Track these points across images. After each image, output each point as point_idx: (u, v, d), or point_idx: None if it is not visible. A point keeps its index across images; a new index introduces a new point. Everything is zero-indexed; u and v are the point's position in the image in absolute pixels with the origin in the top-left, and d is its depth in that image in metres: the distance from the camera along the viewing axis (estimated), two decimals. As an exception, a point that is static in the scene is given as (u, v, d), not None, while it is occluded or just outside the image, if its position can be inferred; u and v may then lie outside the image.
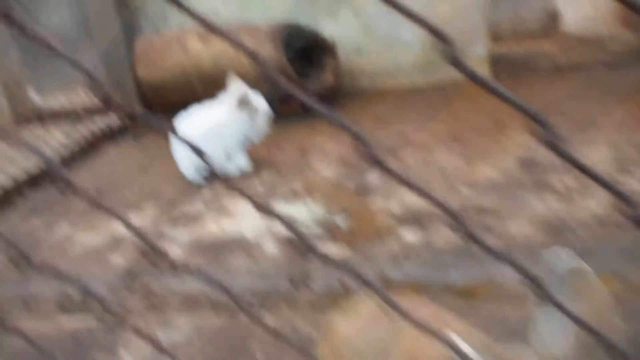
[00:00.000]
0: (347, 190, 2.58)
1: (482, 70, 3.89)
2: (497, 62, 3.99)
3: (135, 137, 3.83)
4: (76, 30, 4.21)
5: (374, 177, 2.61)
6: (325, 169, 2.83)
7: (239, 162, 2.86)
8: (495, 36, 4.15)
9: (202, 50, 3.52)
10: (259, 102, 2.78)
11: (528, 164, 2.54)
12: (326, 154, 2.99)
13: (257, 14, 3.88)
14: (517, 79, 3.91)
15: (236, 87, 2.76)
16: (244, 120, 2.75)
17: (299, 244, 0.49)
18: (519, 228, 2.08)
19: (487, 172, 2.55)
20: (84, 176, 3.22)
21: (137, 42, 3.74)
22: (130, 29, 4.10)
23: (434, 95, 3.77)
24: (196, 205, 2.60)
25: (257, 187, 2.73)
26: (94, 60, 4.16)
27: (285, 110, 3.52)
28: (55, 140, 3.78)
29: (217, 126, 2.73)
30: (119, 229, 2.48)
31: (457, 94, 3.71)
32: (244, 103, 2.72)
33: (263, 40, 3.41)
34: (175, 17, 4.09)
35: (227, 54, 3.48)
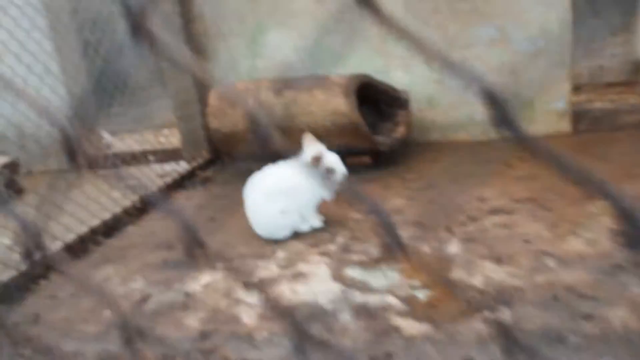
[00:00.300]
0: (425, 257, 2.51)
1: (563, 125, 3.79)
2: (577, 116, 3.88)
3: (204, 184, 3.86)
4: (150, 78, 4.28)
5: (454, 246, 2.53)
6: (401, 231, 2.76)
7: (311, 220, 2.84)
8: (575, 88, 4.03)
9: (274, 102, 3.52)
10: (334, 162, 2.75)
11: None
12: (401, 214, 2.92)
13: (329, 65, 3.88)
14: (598, 134, 3.79)
15: (311, 147, 2.74)
16: (319, 180, 2.73)
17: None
18: (617, 314, 1.96)
19: (576, 245, 2.44)
20: (155, 226, 3.24)
21: (211, 92, 3.77)
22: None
23: (510, 151, 3.67)
24: (270, 267, 2.57)
25: (330, 247, 2.68)
26: (167, 107, 4.23)
27: (355, 162, 3.50)
28: (125, 184, 3.83)
29: (291, 186, 2.71)
30: (192, 286, 2.48)
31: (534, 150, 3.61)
32: (318, 163, 2.69)
33: (336, 93, 3.39)
34: (246, 65, 4.13)
35: (297, 105, 3.48)
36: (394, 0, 3.76)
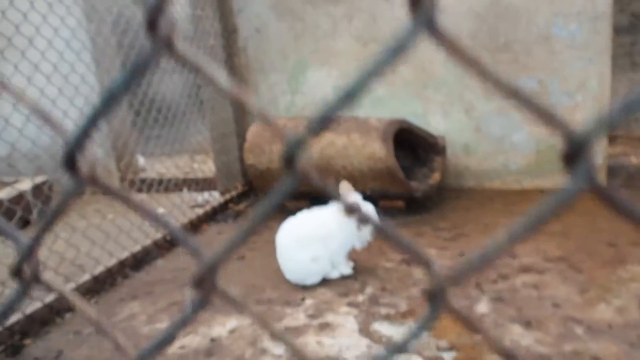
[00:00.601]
0: (453, 316, 2.52)
1: (600, 179, 3.78)
2: (612, 171, 3.88)
3: (235, 218, 3.92)
4: (189, 103, 4.37)
5: (483, 305, 2.55)
6: (430, 286, 2.78)
7: (341, 267, 2.88)
8: (610, 138, 4.04)
9: (311, 142, 3.58)
10: (368, 212, 2.79)
11: (652, 312, 2.42)
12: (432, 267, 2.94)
13: (369, 106, 3.94)
14: (633, 189, 3.79)
15: (346, 196, 2.79)
16: (351, 229, 2.77)
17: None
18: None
19: (605, 312, 2.44)
20: (185, 261, 3.29)
21: (250, 128, 3.85)
22: (241, 111, 4.24)
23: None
24: (297, 316, 2.60)
25: (359, 297, 2.71)
26: (205, 134, 4.31)
27: (387, 206, 3.54)
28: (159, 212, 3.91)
29: (324, 234, 2.76)
30: (218, 330, 2.52)
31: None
32: (352, 212, 2.74)
33: (373, 138, 3.44)
34: (285, 101, 4.21)
35: (334, 146, 3.53)
36: (436, 49, 3.83)
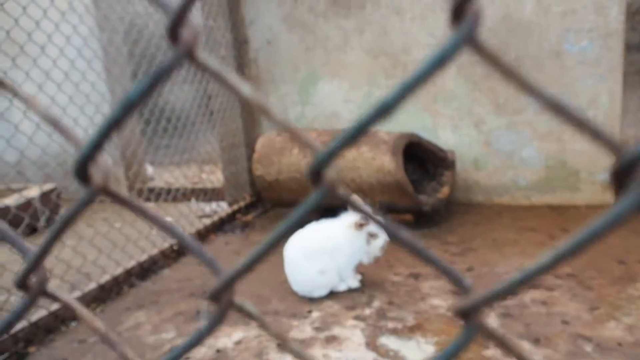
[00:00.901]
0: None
1: (607, 197, 3.75)
2: (622, 187, 3.84)
3: (243, 229, 3.90)
4: (200, 114, 4.36)
5: (492, 321, 2.51)
6: (439, 300, 2.75)
7: (349, 280, 2.85)
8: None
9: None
10: (377, 228, 2.77)
11: (664, 332, 2.38)
12: (439, 281, 2.91)
13: (378, 120, 3.92)
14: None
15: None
16: (360, 243, 2.75)
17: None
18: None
19: (614, 329, 2.40)
20: (191, 271, 3.27)
21: (258, 139, 3.83)
22: (250, 122, 4.23)
23: (552, 218, 3.66)
24: (304, 328, 2.57)
25: (366, 311, 2.68)
26: (214, 145, 4.29)
27: (397, 220, 3.51)
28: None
29: (332, 247, 2.74)
30: (224, 341, 2.49)
31: (576, 221, 3.59)
32: (362, 227, 2.72)
33: (383, 151, 3.42)
34: (295, 112, 4.19)
35: (343, 159, 3.51)
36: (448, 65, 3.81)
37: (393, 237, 0.38)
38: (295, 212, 0.37)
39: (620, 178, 0.32)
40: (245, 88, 0.37)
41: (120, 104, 0.37)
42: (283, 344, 0.42)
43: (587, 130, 0.33)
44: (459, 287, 0.38)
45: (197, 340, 0.42)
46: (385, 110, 0.35)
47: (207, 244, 3.68)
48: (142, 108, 4.23)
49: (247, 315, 0.43)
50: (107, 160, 0.44)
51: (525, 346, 2.32)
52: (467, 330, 0.37)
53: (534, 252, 3.19)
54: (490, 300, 0.35)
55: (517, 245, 3.30)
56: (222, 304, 0.42)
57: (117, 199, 0.42)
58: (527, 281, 0.33)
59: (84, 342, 2.58)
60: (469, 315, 0.37)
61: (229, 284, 0.40)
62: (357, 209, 0.37)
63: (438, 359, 0.36)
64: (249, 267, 0.38)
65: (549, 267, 0.32)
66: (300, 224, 0.34)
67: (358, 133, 0.35)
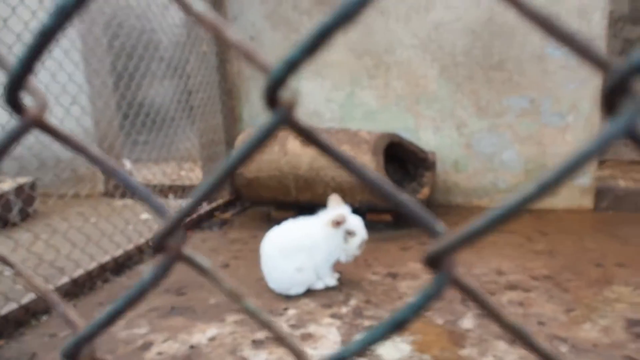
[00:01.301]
0: (437, 330, 2.46)
1: (585, 201, 3.75)
2: (600, 193, 3.84)
3: (221, 226, 3.84)
4: (179, 110, 4.31)
5: (469, 321, 2.48)
6: (414, 299, 2.71)
7: (326, 279, 2.81)
8: (599, 162, 4.01)
9: (300, 153, 3.52)
10: (356, 226, 2.73)
11: (636, 330, 2.36)
12: (417, 281, 2.88)
13: (360, 119, 3.89)
14: (620, 213, 3.76)
15: (335, 208, 2.73)
16: (338, 241, 2.71)
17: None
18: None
19: (590, 332, 2.38)
20: (168, 267, 3.20)
21: (238, 136, 3.79)
22: (231, 118, 4.18)
23: (530, 221, 3.65)
24: (280, 326, 2.52)
25: (342, 308, 2.64)
26: (193, 141, 4.24)
27: (375, 219, 3.48)
28: (147, 216, 3.83)
29: (309, 245, 2.69)
30: (198, 338, 2.44)
31: (555, 224, 3.58)
32: (339, 225, 2.68)
33: (364, 151, 3.38)
34: (276, 111, 4.15)
35: (324, 160, 3.47)
36: (429, 65, 3.79)
37: (361, 177, 0.34)
38: (251, 140, 0.33)
39: (609, 99, 0.28)
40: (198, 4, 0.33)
41: (54, 11, 0.32)
42: (237, 301, 0.38)
43: (573, 45, 0.29)
44: (430, 232, 0.34)
45: (139, 294, 0.37)
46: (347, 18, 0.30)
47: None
48: (120, 101, 4.17)
49: (198, 269, 0.39)
50: (41, 89, 0.40)
51: (502, 346, 2.29)
52: (437, 279, 0.32)
53: (512, 254, 3.17)
54: (464, 241, 0.31)
55: (494, 246, 3.28)
56: (169, 252, 0.37)
57: (52, 132, 0.38)
58: (505, 218, 0.29)
59: (54, 336, 2.51)
60: (439, 262, 0.33)
61: (176, 226, 0.36)
62: (323, 145, 0.33)
63: (405, 310, 0.32)
64: (196, 204, 0.34)
65: (532, 199, 0.28)
66: (257, 147, 0.29)
67: (317, 42, 0.31)
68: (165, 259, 0.37)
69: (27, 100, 0.40)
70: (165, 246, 0.37)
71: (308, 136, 0.34)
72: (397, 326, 0.33)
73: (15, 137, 0.38)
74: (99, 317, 0.39)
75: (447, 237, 0.32)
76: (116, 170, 0.39)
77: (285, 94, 0.32)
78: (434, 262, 0.33)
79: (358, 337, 0.35)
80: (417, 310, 0.32)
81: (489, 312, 0.35)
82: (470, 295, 0.34)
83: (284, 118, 0.32)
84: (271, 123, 0.32)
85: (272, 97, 0.32)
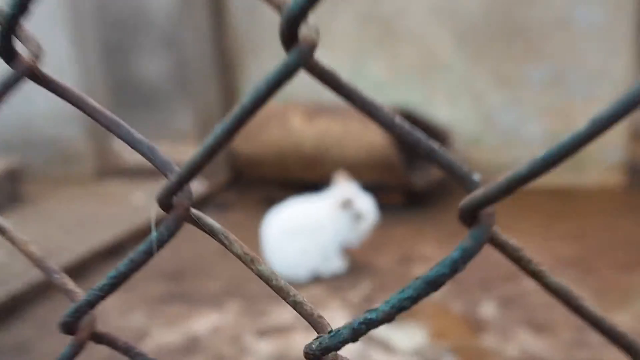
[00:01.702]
0: (454, 317, 2.46)
1: (616, 177, 3.73)
2: (632, 170, 3.82)
3: (220, 209, 3.84)
4: (172, 86, 4.30)
5: (489, 308, 2.48)
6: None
7: (334, 264, 2.80)
8: (635, 135, 3.97)
9: (304, 130, 3.51)
10: (365, 207, 2.72)
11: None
12: (431, 263, 2.86)
13: (368, 92, 3.87)
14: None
15: (342, 188, 2.72)
16: (346, 223, 2.70)
17: None
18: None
19: (622, 318, 2.38)
20: (164, 254, 3.21)
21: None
22: (228, 94, 4.16)
23: (556, 201, 3.63)
24: (284, 314, 2.53)
25: (351, 296, 2.64)
26: (188, 119, 4.24)
27: (386, 201, 3.47)
28: (137, 200, 3.84)
29: (315, 225, 2.69)
30: (197, 326, 2.45)
31: (584, 203, 3.56)
32: (347, 206, 2.67)
33: (373, 127, 3.37)
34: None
35: (331, 136, 3.46)
36: (443, 32, 3.77)
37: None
38: (264, 82, 0.32)
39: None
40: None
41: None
42: (250, 266, 0.37)
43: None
44: (465, 183, 0.33)
45: (144, 256, 0.37)
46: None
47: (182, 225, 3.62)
48: (107, 77, 4.16)
49: (208, 231, 0.38)
50: (35, 37, 0.39)
51: (526, 335, 2.30)
52: (475, 232, 0.32)
53: (538, 236, 3.16)
54: (504, 191, 0.30)
55: (517, 229, 3.27)
56: (176, 210, 0.37)
57: (47, 82, 0.37)
58: (551, 162, 0.28)
59: (44, 326, 2.53)
60: (476, 216, 0.32)
61: (183, 181, 0.35)
62: (347, 92, 0.32)
63: (440, 267, 0.32)
64: (213, 151, 0.33)
65: (584, 139, 0.27)
66: (271, 92, 0.28)
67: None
68: (172, 218, 0.37)
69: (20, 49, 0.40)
70: (171, 204, 0.37)
71: (330, 81, 0.33)
72: (431, 285, 0.32)
73: (8, 86, 0.38)
74: (100, 283, 0.39)
75: (484, 187, 0.31)
76: (117, 123, 0.39)
77: (304, 31, 0.31)
78: (470, 216, 0.32)
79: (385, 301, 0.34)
80: (455, 266, 0.31)
81: (530, 273, 0.34)
82: (510, 254, 0.34)
83: (303, 58, 0.31)
84: (288, 63, 0.31)
85: (290, 34, 0.31)
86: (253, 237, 2.88)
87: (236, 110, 0.32)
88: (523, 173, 0.28)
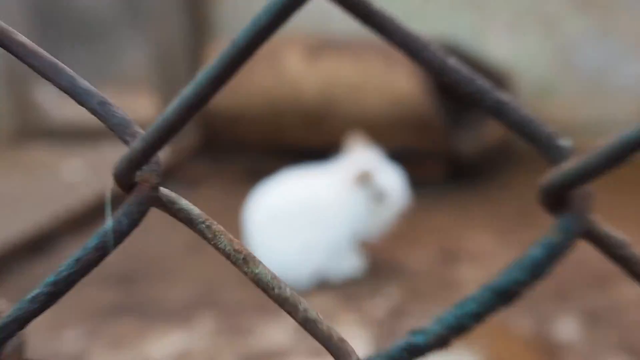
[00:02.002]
0: (520, 340, 2.47)
1: None
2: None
3: (190, 186, 3.84)
4: (119, 12, 4.30)
5: (568, 326, 2.49)
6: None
7: (347, 263, 2.80)
8: None
9: (304, 74, 3.50)
10: (390, 183, 2.70)
11: None
12: (484, 262, 2.89)
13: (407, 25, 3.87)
14: None
15: (357, 157, 2.70)
16: (363, 206, 2.68)
17: None
18: None
19: None
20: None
21: (208, 48, 3.77)
22: (195, 22, 4.16)
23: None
24: (277, 331, 2.54)
25: (372, 309, 2.65)
26: (141, 58, 4.24)
27: (420, 175, 3.46)
28: (71, 173, 3.85)
29: (320, 210, 2.68)
30: (154, 350, 2.46)
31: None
32: (365, 182, 2.64)
33: (400, 69, 3.36)
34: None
35: (341, 81, 3.45)
36: None
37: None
38: (269, 5, 0.32)
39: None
40: None
41: None
42: (244, 268, 0.38)
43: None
44: (546, 152, 0.33)
45: (97, 254, 0.37)
46: None
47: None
48: (36, 3, 4.16)
49: (183, 218, 0.39)
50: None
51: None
52: (564, 223, 0.32)
53: (634, 219, 3.16)
54: (605, 164, 0.30)
55: (604, 208, 3.26)
56: (140, 190, 0.37)
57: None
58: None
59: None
60: (564, 199, 0.32)
61: (149, 150, 0.35)
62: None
63: (512, 272, 0.32)
64: (188, 112, 0.33)
65: None
66: (277, 22, 0.28)
67: None
68: (134, 201, 0.37)
69: None
70: (134, 181, 0.37)
71: (354, 5, 0.33)
72: (501, 297, 0.32)
73: None
74: (33, 292, 0.39)
75: (578, 158, 0.31)
76: (56, 67, 0.39)
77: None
78: (557, 198, 0.32)
79: (432, 320, 0.35)
80: (537, 269, 0.31)
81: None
82: (613, 252, 0.34)
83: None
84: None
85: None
86: (232, 225, 2.89)
87: (228, 49, 0.32)
88: (634, 136, 0.28)
